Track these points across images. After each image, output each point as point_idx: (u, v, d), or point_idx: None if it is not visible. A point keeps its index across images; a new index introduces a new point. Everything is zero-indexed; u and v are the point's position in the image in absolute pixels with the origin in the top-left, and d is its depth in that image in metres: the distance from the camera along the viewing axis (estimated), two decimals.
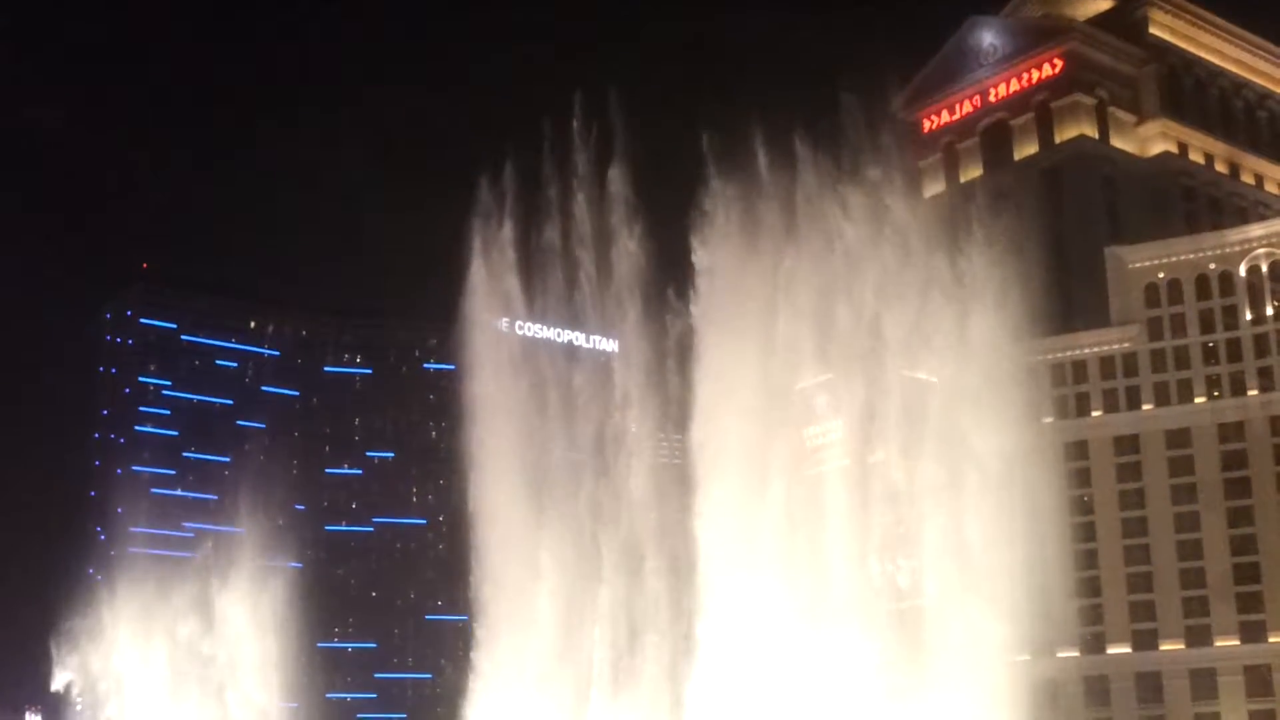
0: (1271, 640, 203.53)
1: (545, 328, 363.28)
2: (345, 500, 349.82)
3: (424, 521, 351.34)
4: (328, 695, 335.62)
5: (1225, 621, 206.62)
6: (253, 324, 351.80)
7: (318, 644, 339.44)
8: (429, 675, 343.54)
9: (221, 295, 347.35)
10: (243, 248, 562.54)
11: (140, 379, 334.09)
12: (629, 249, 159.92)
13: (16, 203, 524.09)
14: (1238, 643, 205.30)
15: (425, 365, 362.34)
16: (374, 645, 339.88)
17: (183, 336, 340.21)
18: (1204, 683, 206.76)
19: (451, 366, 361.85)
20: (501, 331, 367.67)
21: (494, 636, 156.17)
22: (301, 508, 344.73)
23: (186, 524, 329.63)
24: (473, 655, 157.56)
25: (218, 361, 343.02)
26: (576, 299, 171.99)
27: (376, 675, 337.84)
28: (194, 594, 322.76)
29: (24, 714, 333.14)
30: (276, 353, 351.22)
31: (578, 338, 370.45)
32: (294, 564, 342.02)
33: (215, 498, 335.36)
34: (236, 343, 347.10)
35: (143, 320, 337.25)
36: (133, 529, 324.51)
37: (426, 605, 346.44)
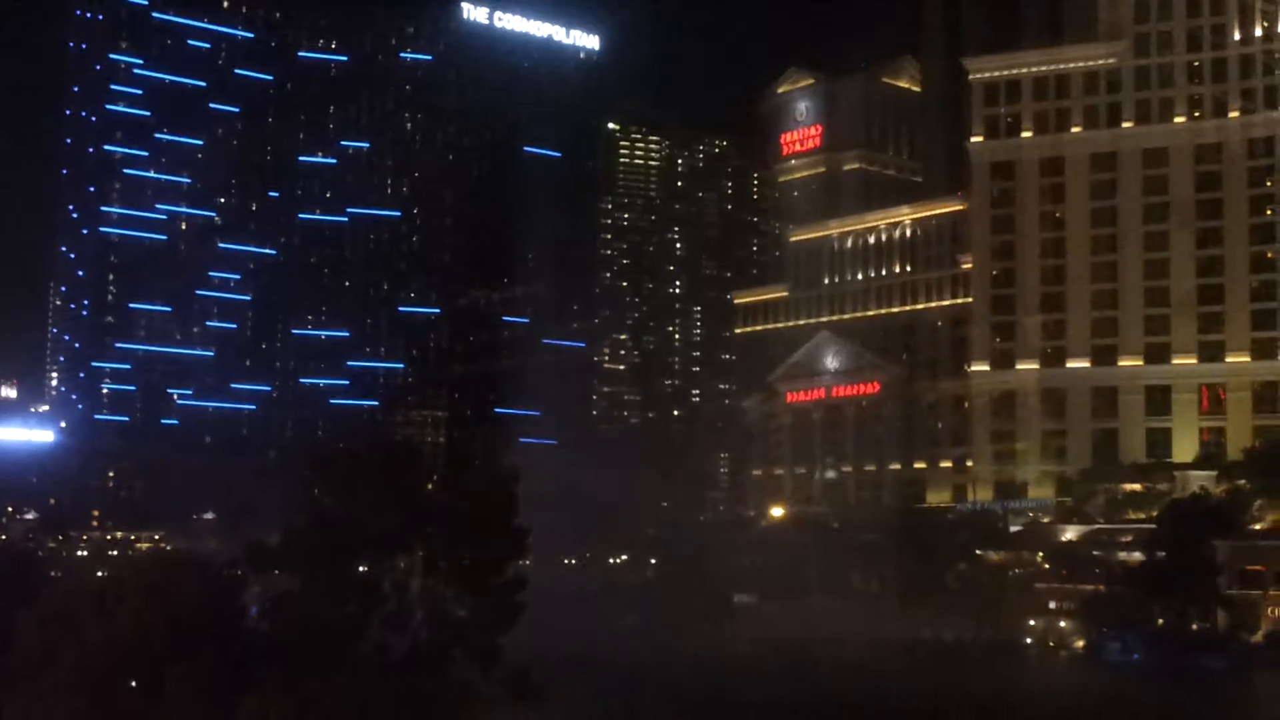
0: (1229, 360, 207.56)
1: (526, 19, 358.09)
2: (319, 189, 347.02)
3: (398, 214, 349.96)
4: (301, 380, 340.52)
5: (1185, 340, 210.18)
6: (225, 3, 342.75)
7: (292, 330, 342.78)
8: (401, 365, 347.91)
9: None
10: None
11: (111, 56, 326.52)
12: None
13: None
14: (1195, 361, 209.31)
15: (402, 55, 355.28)
16: (347, 334, 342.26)
17: (154, 14, 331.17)
18: (1159, 399, 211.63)
19: (429, 57, 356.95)
20: (480, 22, 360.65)
21: None
22: (275, 195, 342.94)
23: (160, 206, 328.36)
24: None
25: (190, 41, 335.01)
26: None
27: (349, 364, 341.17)
28: (168, 275, 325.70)
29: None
30: (250, 35, 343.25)
31: (557, 31, 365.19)
32: (268, 251, 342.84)
33: (189, 181, 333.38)
34: (209, 22, 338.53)
35: None
36: (105, 209, 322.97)
37: (399, 297, 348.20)
